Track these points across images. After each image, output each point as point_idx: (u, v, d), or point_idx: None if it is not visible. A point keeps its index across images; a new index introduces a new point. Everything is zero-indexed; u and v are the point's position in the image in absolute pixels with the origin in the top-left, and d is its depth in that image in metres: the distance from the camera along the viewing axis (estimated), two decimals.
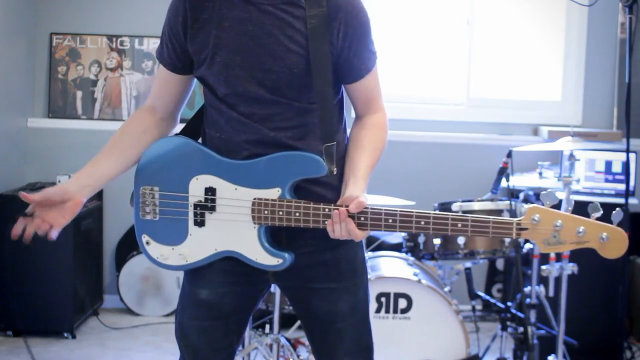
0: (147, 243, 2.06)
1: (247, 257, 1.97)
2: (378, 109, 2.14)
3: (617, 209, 1.83)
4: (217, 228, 1.98)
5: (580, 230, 1.88)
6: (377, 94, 2.14)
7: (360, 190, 1.93)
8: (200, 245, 2.00)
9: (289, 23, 1.90)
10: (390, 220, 1.88)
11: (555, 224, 1.84)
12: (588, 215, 1.83)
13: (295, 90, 1.95)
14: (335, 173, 1.95)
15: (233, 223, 1.96)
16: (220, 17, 1.92)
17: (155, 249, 2.05)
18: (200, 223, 2.00)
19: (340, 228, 1.88)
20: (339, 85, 2.08)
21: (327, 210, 1.90)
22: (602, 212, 1.84)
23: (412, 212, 1.88)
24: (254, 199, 1.94)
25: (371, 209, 1.89)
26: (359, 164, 2.00)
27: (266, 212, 1.93)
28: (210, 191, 1.98)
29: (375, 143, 2.08)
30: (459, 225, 1.85)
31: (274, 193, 1.94)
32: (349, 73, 2.06)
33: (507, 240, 3.44)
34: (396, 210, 1.89)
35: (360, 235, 1.88)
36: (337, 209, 1.88)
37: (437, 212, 1.90)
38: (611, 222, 1.86)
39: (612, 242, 1.91)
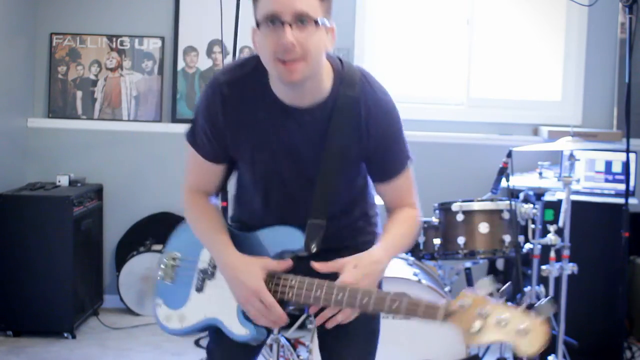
0: (159, 305, 2.14)
1: (225, 325, 2.01)
2: (409, 204, 2.11)
3: (508, 283, 1.76)
4: (211, 295, 2.05)
5: (503, 320, 1.65)
6: (406, 191, 2.11)
7: (377, 256, 1.95)
8: (195, 310, 2.07)
9: (319, 129, 1.94)
10: (318, 293, 1.86)
11: (479, 312, 1.68)
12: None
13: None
14: (314, 251, 1.95)
15: (225, 291, 2.00)
16: (258, 120, 1.95)
17: (163, 311, 2.14)
18: (200, 288, 2.07)
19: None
20: (354, 170, 2.08)
21: (313, 288, 1.88)
22: (491, 289, 1.77)
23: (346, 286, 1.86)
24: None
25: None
26: (385, 235, 2.03)
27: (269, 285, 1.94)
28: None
29: (400, 231, 2.05)
30: (393, 305, 1.82)
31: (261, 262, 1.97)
32: (378, 173, 2.07)
33: (507, 240, 3.44)
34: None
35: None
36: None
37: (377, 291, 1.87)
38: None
39: (530, 337, 1.63)
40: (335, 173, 1.96)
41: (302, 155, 1.96)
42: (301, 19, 1.78)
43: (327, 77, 1.94)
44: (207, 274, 2.05)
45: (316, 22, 1.81)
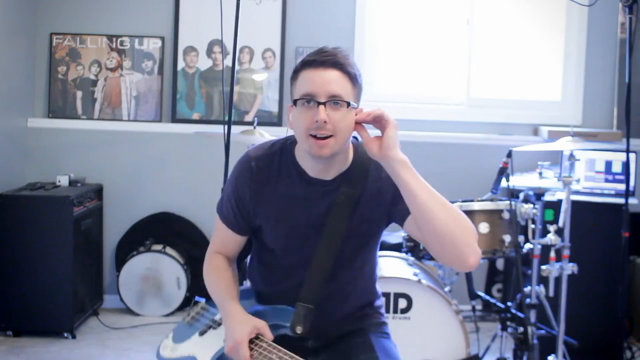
0: (167, 337, 2.36)
1: None
2: None
3: None
4: (207, 340, 2.23)
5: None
6: None
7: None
8: (187, 347, 2.25)
9: (345, 198, 2.11)
10: None
11: None
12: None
13: None
14: (300, 334, 2.07)
15: (219, 340, 2.17)
16: (283, 192, 2.13)
17: (166, 341, 2.35)
18: (202, 333, 2.27)
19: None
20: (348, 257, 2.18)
21: None
22: None
23: None
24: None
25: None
26: None
27: None
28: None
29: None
30: None
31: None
32: (406, 210, 2.10)
33: (507, 240, 3.44)
34: None
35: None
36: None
37: None
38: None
39: None
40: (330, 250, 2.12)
41: (325, 227, 2.10)
42: (335, 101, 1.99)
43: (349, 155, 2.13)
44: (214, 324, 2.26)
45: (348, 104, 2.01)
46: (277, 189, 2.13)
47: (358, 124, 2.01)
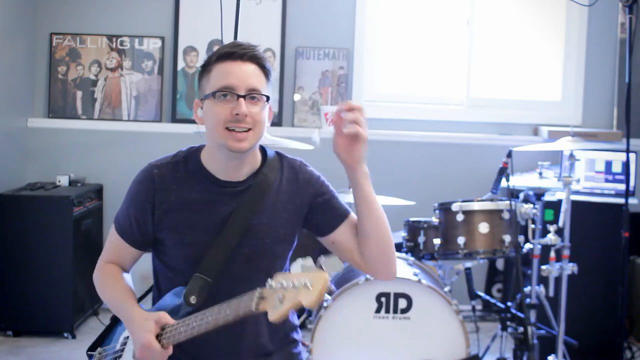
0: None
1: None
2: None
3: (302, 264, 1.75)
4: None
5: (288, 283, 1.72)
6: None
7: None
8: None
9: (252, 201, 2.03)
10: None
11: (278, 296, 1.73)
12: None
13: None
14: (194, 304, 1.98)
15: None
16: (191, 199, 2.02)
17: None
18: None
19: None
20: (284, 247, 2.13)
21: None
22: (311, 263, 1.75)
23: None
24: None
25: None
26: None
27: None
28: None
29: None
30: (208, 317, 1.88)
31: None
32: (323, 225, 2.11)
33: (507, 240, 3.44)
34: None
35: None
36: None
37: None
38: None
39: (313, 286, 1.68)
40: (263, 246, 2.03)
41: (234, 228, 1.99)
42: (253, 95, 1.95)
43: (257, 154, 2.08)
44: (117, 355, 2.14)
45: (267, 99, 1.98)
46: (184, 197, 2.02)
47: (337, 118, 1.94)
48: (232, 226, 1.98)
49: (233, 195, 2.02)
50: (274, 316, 1.72)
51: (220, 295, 1.92)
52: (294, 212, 2.06)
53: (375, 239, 2.01)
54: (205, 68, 2.07)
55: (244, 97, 1.94)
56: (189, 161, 2.06)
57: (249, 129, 1.94)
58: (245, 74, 1.96)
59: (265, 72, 2.00)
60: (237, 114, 1.92)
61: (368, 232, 2.01)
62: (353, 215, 2.11)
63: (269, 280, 1.74)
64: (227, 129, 1.94)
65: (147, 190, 2.06)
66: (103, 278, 2.16)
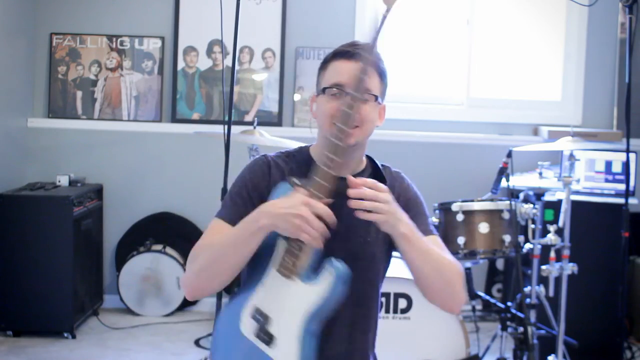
0: None
1: (318, 302, 1.93)
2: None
3: None
4: (281, 322, 1.94)
5: None
6: (442, 250, 2.10)
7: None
8: (287, 347, 1.94)
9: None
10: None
11: None
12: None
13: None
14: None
15: (283, 302, 1.95)
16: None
17: None
18: (269, 340, 1.96)
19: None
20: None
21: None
22: None
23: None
24: (276, 269, 1.95)
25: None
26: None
27: (286, 260, 1.93)
28: (255, 312, 1.97)
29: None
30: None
31: (280, 249, 1.96)
32: None
33: (507, 240, 3.44)
34: None
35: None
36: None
37: None
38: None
39: None
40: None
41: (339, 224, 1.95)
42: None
43: (363, 157, 2.11)
44: (263, 325, 1.96)
45: (376, 98, 2.02)
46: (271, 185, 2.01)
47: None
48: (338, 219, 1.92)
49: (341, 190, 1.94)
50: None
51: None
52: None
53: (434, 285, 2.02)
54: (323, 65, 2.08)
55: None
56: (299, 153, 2.10)
57: (356, 126, 1.96)
58: (356, 72, 1.98)
59: (380, 73, 2.06)
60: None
61: (426, 279, 2.03)
62: (435, 239, 2.09)
63: None
64: (334, 124, 1.93)
65: (262, 172, 2.05)
66: (206, 243, 1.97)
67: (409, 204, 2.07)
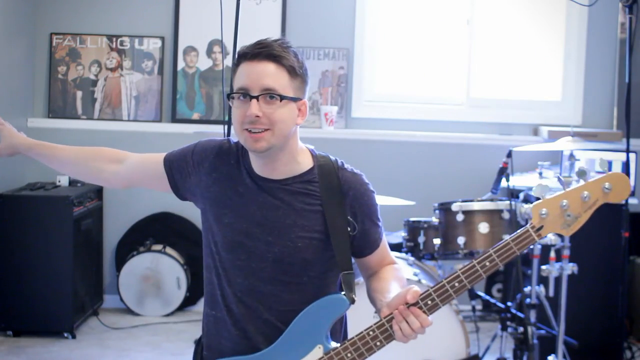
0: None
1: None
2: (390, 262, 2.16)
3: (600, 158, 1.91)
4: None
5: (585, 195, 1.86)
6: (387, 254, 2.14)
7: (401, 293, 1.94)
8: None
9: (295, 200, 2.00)
10: (456, 284, 1.89)
11: (561, 206, 1.86)
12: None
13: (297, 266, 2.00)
14: (355, 301, 1.98)
15: None
16: (238, 181, 2.03)
17: None
18: None
19: (408, 324, 1.91)
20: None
21: (372, 332, 1.91)
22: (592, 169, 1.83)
23: (457, 272, 1.90)
24: None
25: (430, 290, 1.90)
26: (389, 286, 2.04)
27: None
28: None
29: (397, 274, 2.12)
30: (487, 263, 1.87)
31: (317, 352, 1.93)
32: (363, 248, 2.08)
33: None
34: (453, 276, 1.90)
35: (430, 320, 1.92)
36: (396, 310, 1.89)
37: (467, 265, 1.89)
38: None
39: (615, 187, 1.85)
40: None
41: (271, 227, 1.99)
42: (270, 95, 1.92)
43: (305, 157, 2.04)
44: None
45: (282, 98, 1.92)
46: (232, 176, 2.03)
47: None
48: (265, 219, 1.98)
49: (268, 190, 2.00)
50: (571, 230, 1.89)
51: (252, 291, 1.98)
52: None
53: None
54: (234, 68, 2.03)
55: (257, 97, 1.91)
56: (240, 148, 2.06)
57: (266, 129, 1.92)
58: (259, 74, 1.92)
59: (287, 69, 1.94)
60: (248, 115, 1.91)
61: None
62: (382, 247, 2.11)
63: (539, 208, 1.85)
64: (246, 129, 1.93)
65: (211, 150, 2.08)
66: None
67: (362, 211, 2.01)
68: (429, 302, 1.90)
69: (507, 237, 1.87)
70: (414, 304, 1.89)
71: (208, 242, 2.07)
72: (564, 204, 1.85)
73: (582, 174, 1.86)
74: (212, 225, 2.05)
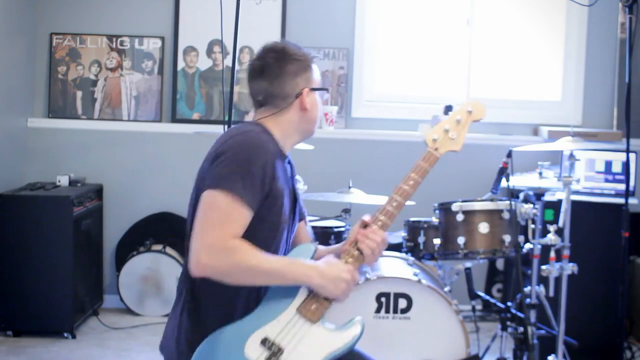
0: None
1: (340, 347, 2.11)
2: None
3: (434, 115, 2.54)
4: (297, 359, 2.08)
5: (458, 119, 2.59)
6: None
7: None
8: None
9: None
10: (394, 203, 2.31)
11: (445, 130, 2.63)
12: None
13: None
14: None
15: (302, 341, 2.09)
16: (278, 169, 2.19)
17: None
18: None
19: (371, 240, 2.18)
20: None
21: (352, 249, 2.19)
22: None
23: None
24: (297, 309, 2.12)
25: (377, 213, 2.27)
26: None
27: (313, 306, 2.11)
28: (265, 342, 2.09)
29: None
30: (410, 182, 2.52)
31: (303, 291, 2.14)
32: None
33: (507, 240, 3.44)
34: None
35: (385, 234, 2.23)
36: (358, 234, 2.20)
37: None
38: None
39: (475, 110, 2.60)
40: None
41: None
42: None
43: None
44: (275, 355, 2.08)
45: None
46: (278, 167, 2.17)
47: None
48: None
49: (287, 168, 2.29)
50: (457, 146, 2.56)
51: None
52: None
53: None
54: (307, 63, 2.30)
55: None
56: (271, 144, 2.20)
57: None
58: None
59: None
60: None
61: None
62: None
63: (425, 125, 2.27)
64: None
65: (272, 151, 2.16)
66: (252, 251, 2.05)
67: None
68: (380, 222, 2.23)
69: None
70: (367, 226, 2.20)
71: (270, 222, 2.15)
72: (447, 127, 2.56)
73: (450, 108, 2.66)
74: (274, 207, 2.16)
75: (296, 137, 2.29)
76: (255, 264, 2.04)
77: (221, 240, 2.01)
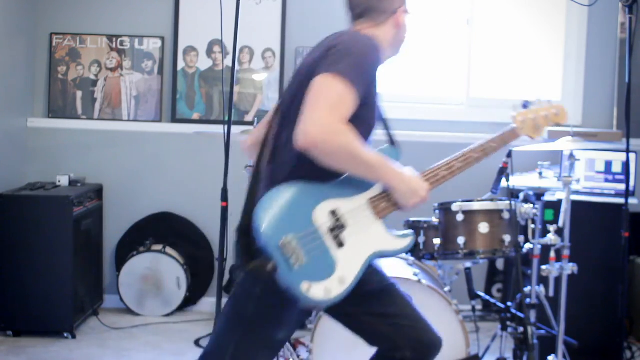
0: (308, 289, 2.10)
1: (388, 250, 2.25)
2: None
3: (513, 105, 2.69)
4: (355, 241, 2.18)
5: (545, 114, 2.77)
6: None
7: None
8: (350, 263, 2.16)
9: None
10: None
11: (533, 119, 2.73)
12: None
13: None
14: None
15: (364, 229, 2.20)
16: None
17: (318, 289, 2.11)
18: (340, 244, 2.16)
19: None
20: None
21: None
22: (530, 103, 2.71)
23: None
24: (369, 199, 2.24)
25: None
26: None
27: (382, 204, 2.24)
28: (333, 213, 2.17)
29: None
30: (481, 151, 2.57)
31: (379, 187, 2.26)
32: None
33: (507, 240, 3.44)
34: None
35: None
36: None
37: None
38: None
39: (560, 113, 2.87)
40: None
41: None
42: None
43: None
44: (338, 228, 2.16)
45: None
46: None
47: None
48: None
49: None
50: (537, 134, 2.62)
51: None
52: None
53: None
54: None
55: None
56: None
57: None
58: None
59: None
60: None
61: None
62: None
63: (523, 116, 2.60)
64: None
65: (380, 53, 2.34)
66: (356, 139, 2.13)
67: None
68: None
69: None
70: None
71: (368, 125, 2.34)
72: (534, 117, 2.70)
73: (527, 103, 2.75)
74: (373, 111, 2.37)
75: (387, 52, 2.45)
76: (358, 152, 2.11)
77: (332, 120, 2.07)
